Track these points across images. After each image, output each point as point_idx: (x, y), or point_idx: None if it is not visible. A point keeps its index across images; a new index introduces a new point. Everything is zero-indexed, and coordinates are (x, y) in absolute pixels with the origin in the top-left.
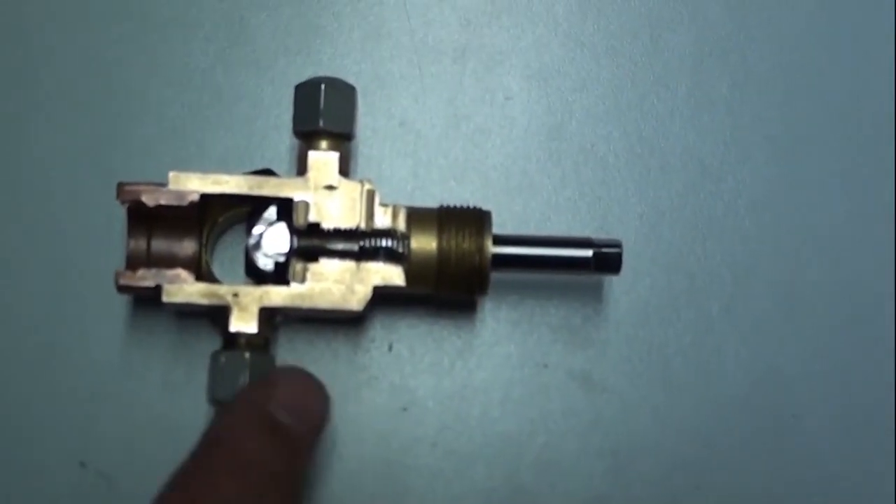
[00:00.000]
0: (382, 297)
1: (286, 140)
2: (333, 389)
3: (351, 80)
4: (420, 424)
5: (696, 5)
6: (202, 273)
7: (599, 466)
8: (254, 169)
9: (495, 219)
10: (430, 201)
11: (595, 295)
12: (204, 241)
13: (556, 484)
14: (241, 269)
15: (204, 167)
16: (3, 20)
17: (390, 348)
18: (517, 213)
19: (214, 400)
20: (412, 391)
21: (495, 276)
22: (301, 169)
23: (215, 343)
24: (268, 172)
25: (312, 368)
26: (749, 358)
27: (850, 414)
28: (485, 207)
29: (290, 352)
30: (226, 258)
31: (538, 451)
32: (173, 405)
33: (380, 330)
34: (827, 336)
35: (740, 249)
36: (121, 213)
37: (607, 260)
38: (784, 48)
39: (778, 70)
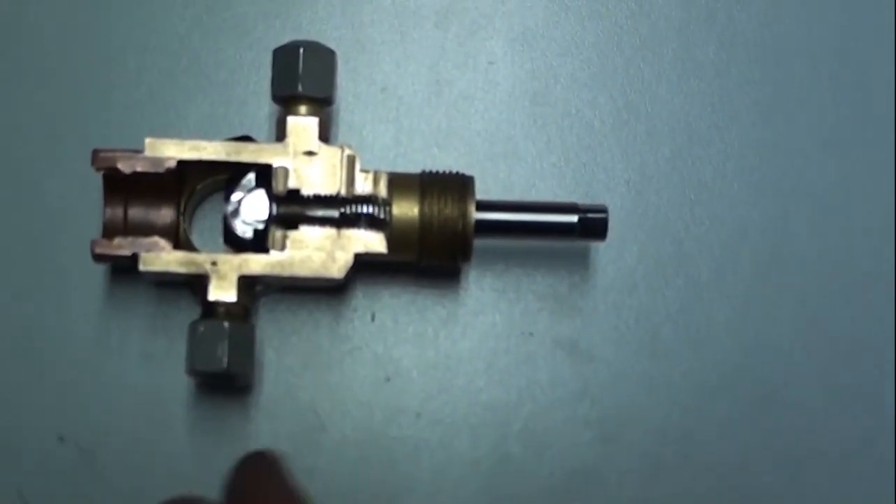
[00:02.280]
0: (364, 266)
1: (265, 106)
2: (316, 360)
3: (331, 45)
4: (404, 395)
5: None
6: (180, 241)
7: (586, 436)
8: (232, 136)
9: (479, 185)
10: (413, 168)
11: (581, 262)
12: (182, 209)
13: (543, 453)
14: (220, 238)
15: (182, 134)
16: None
17: (373, 318)
18: (501, 179)
19: (193, 371)
20: (395, 361)
21: (479, 243)
22: (280, 134)
23: (195, 313)
24: (247, 139)
25: (294, 338)
26: (738, 325)
27: (840, 381)
28: (468, 172)
29: (272, 322)
30: (205, 227)
31: (524, 421)
32: (152, 377)
33: (362, 299)
34: (817, 301)
35: (729, 214)
36: (98, 180)
37: (593, 225)
38: (771, 8)
39: (765, 31)
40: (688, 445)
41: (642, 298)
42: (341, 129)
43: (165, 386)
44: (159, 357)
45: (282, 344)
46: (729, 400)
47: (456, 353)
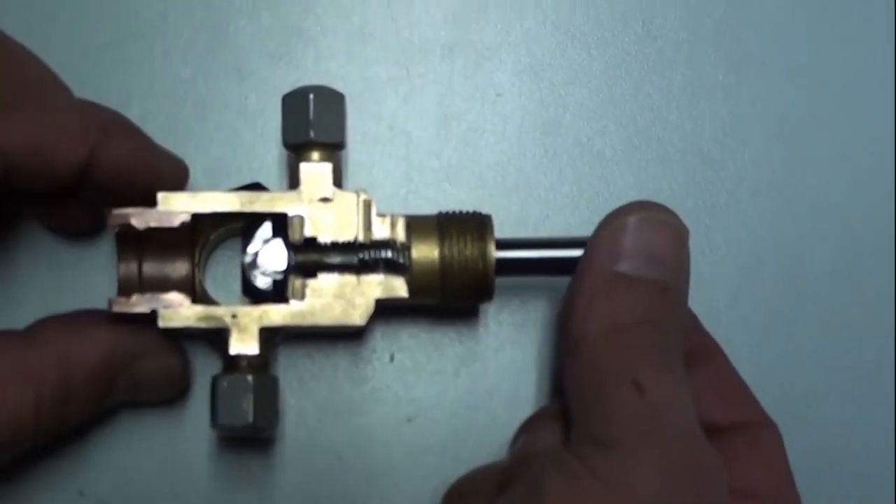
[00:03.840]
0: (383, 308)
1: (273, 149)
2: (337, 403)
3: (337, 83)
4: (426, 434)
5: None
6: (197, 294)
7: None
8: (242, 182)
9: (493, 220)
10: (425, 205)
11: None
12: (197, 261)
13: None
14: (234, 282)
15: (190, 179)
16: None
17: (392, 358)
18: (514, 212)
19: (218, 425)
20: (417, 401)
21: (497, 280)
22: (293, 182)
23: (213, 362)
24: (257, 186)
25: (313, 383)
26: (758, 350)
27: (862, 403)
28: (481, 208)
29: (290, 367)
30: (217, 272)
31: None
32: (173, 428)
33: (380, 340)
34: (836, 324)
35: (745, 238)
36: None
37: None
38: (779, 29)
39: (774, 52)
40: None
41: None
42: (350, 168)
43: (186, 437)
44: (179, 411)
45: (302, 388)
46: None
47: (477, 390)
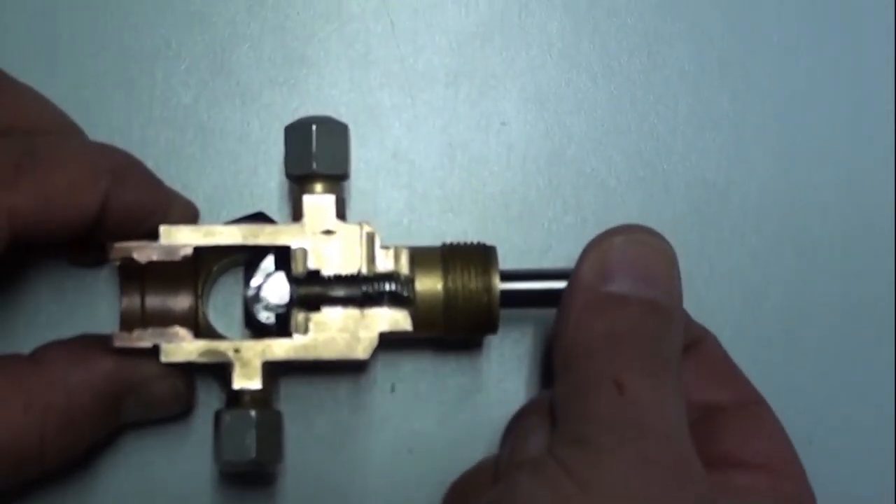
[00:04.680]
0: (385, 339)
1: (275, 175)
2: (337, 434)
3: (340, 110)
4: (428, 465)
5: (694, 20)
6: (200, 326)
7: None
8: (244, 209)
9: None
10: (428, 234)
11: None
12: (200, 292)
13: None
14: (236, 312)
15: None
16: None
17: (393, 389)
18: (518, 242)
19: (221, 461)
20: (418, 432)
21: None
22: (296, 214)
23: (215, 395)
24: (260, 216)
25: (314, 412)
26: (761, 382)
27: (867, 437)
28: (484, 238)
29: (291, 397)
30: (220, 302)
31: None
32: (174, 456)
33: (381, 371)
34: (841, 357)
35: (749, 270)
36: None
37: None
38: (784, 60)
39: (780, 83)
40: None
41: None
42: (353, 196)
43: (188, 462)
44: (181, 434)
45: (303, 418)
46: None
47: (478, 421)
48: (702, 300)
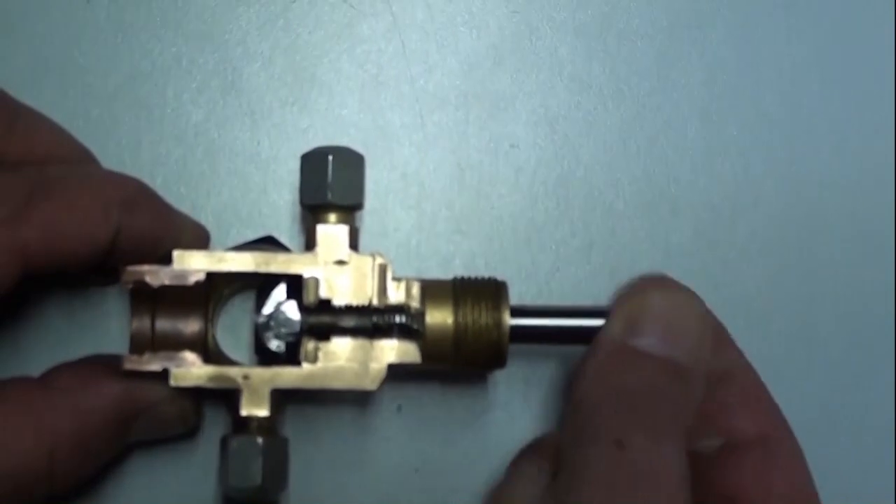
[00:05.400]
0: (394, 371)
1: (285, 194)
2: (343, 454)
3: (350, 130)
4: (433, 485)
5: (705, 45)
6: (209, 350)
7: None
8: (253, 228)
9: (503, 272)
10: (436, 255)
11: None
12: (210, 316)
13: None
14: (245, 335)
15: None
16: None
17: (399, 409)
18: (525, 264)
19: (227, 487)
20: (424, 452)
21: None
22: (309, 243)
23: (219, 414)
24: (270, 240)
25: (320, 432)
26: None
27: (869, 460)
28: (492, 259)
29: (297, 415)
30: (230, 324)
31: None
32: (181, 474)
33: (388, 391)
34: (845, 381)
35: (754, 297)
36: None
37: None
38: (795, 88)
39: (790, 110)
40: None
41: None
42: (362, 217)
43: (193, 493)
44: (188, 452)
45: (309, 438)
46: None
47: (485, 442)
48: None
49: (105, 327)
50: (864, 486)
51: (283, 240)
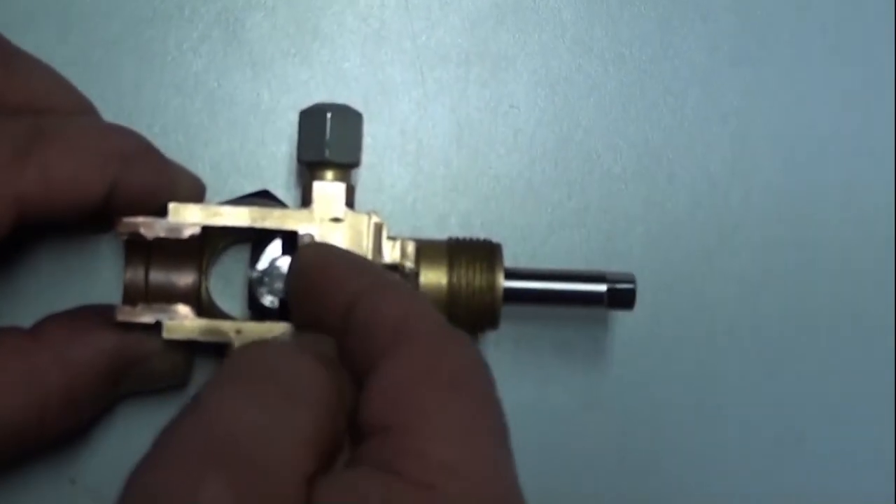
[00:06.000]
0: None
1: (283, 146)
2: None
3: (350, 84)
4: None
5: (708, 12)
6: (203, 303)
7: (603, 490)
8: (250, 182)
9: (499, 232)
10: (432, 213)
11: (600, 313)
12: (204, 270)
13: (558, 490)
14: (239, 289)
15: (196, 174)
16: None
17: None
18: (520, 225)
19: None
20: None
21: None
22: (305, 199)
23: (209, 359)
24: (265, 194)
25: None
26: (757, 376)
27: (861, 435)
28: (488, 219)
29: None
30: (223, 278)
31: (543, 467)
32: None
33: None
34: (837, 354)
35: (748, 265)
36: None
37: (621, 296)
38: (796, 58)
39: (790, 81)
40: (702, 496)
41: (661, 348)
42: (359, 172)
43: None
44: (174, 402)
45: None
46: (742, 452)
47: None
48: (700, 291)
49: (97, 274)
50: (855, 452)
51: (280, 193)
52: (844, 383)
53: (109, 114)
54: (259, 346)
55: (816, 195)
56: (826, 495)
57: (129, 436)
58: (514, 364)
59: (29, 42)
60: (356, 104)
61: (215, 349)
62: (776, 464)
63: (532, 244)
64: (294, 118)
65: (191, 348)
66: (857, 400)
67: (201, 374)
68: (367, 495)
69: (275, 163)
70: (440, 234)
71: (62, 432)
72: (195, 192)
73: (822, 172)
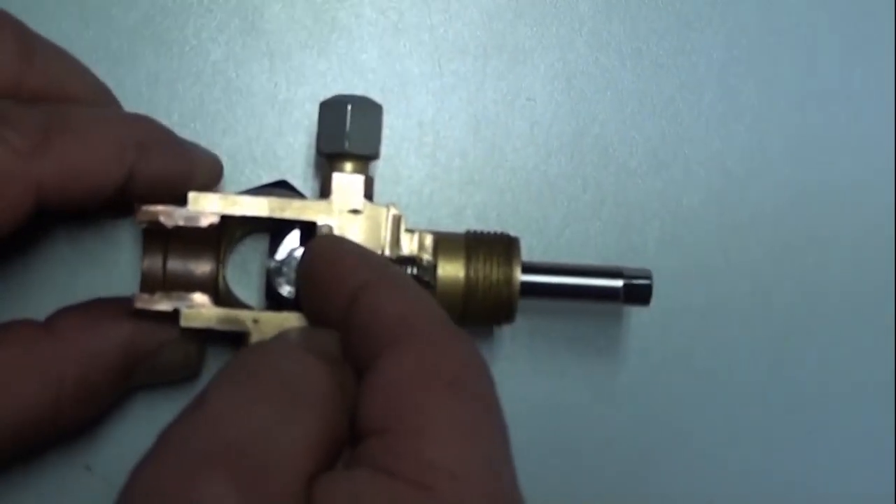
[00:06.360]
0: None
1: (300, 137)
2: None
3: (368, 76)
4: None
5: (726, 8)
6: (220, 292)
7: (614, 479)
8: (267, 172)
9: (514, 225)
10: (448, 205)
11: (614, 306)
12: (221, 259)
13: (572, 483)
14: (256, 279)
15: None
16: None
17: None
18: (536, 218)
19: None
20: None
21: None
22: (324, 191)
23: (222, 349)
24: (283, 185)
25: None
26: (766, 372)
27: (870, 433)
28: (503, 212)
29: None
30: (240, 266)
31: (557, 459)
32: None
33: None
34: (846, 352)
35: (763, 261)
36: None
37: (637, 291)
38: (813, 56)
39: (808, 79)
40: (715, 490)
41: (675, 342)
42: (376, 163)
43: None
44: (188, 392)
45: None
46: (754, 438)
47: None
48: (712, 286)
49: (115, 261)
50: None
51: (297, 184)
52: (860, 376)
53: (128, 102)
54: (262, 346)
55: (832, 191)
56: (829, 496)
57: (144, 424)
58: (529, 357)
59: (49, 30)
60: (373, 96)
61: (230, 339)
62: (789, 456)
63: (547, 237)
64: (311, 109)
65: (203, 339)
66: (872, 392)
67: (215, 363)
68: (367, 498)
69: (291, 153)
70: (456, 226)
71: (78, 422)
72: (213, 174)
73: (838, 168)
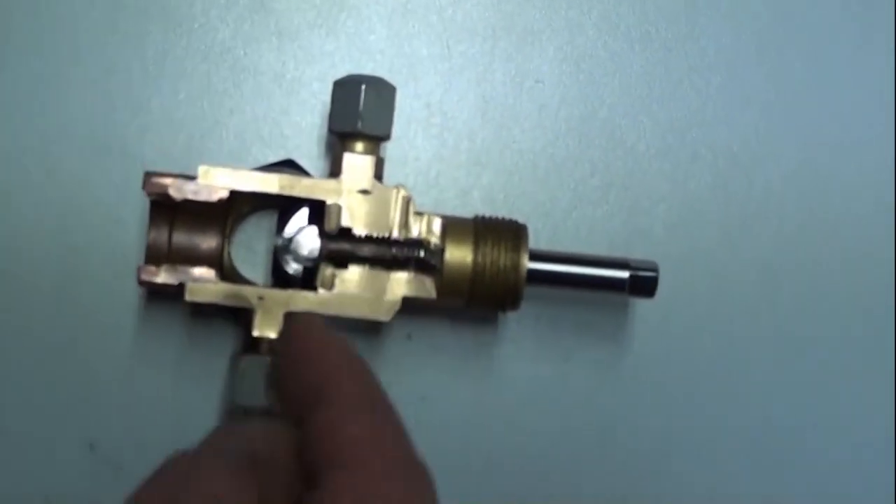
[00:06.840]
0: (407, 303)
1: (308, 117)
2: None
3: (376, 57)
4: (439, 412)
5: None
6: (225, 268)
7: (620, 465)
8: (274, 151)
9: (521, 207)
10: (455, 187)
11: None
12: (227, 234)
13: (575, 467)
14: (261, 256)
15: (221, 142)
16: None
17: (409, 337)
18: (543, 201)
19: (234, 405)
20: (431, 381)
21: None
22: (334, 170)
23: (227, 331)
24: (290, 164)
25: None
26: (769, 363)
27: (875, 422)
28: (510, 194)
29: None
30: (246, 243)
31: (560, 444)
32: (183, 391)
33: (399, 319)
34: (848, 344)
35: (769, 245)
36: (137, 191)
37: (643, 283)
38: (823, 45)
39: (816, 67)
40: (717, 477)
41: (680, 326)
42: (384, 144)
43: (196, 403)
44: (191, 372)
45: None
46: (764, 435)
47: (491, 375)
48: (718, 271)
49: (120, 233)
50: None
51: (303, 163)
52: (864, 368)
53: (136, 80)
54: (179, 456)
55: (839, 178)
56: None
57: (150, 407)
58: (534, 343)
59: (58, 8)
60: (381, 77)
61: (234, 315)
62: (792, 447)
63: (554, 220)
64: (319, 89)
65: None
66: (878, 386)
67: (220, 340)
68: None
69: (299, 132)
70: (462, 208)
71: None
72: None
73: (845, 152)
